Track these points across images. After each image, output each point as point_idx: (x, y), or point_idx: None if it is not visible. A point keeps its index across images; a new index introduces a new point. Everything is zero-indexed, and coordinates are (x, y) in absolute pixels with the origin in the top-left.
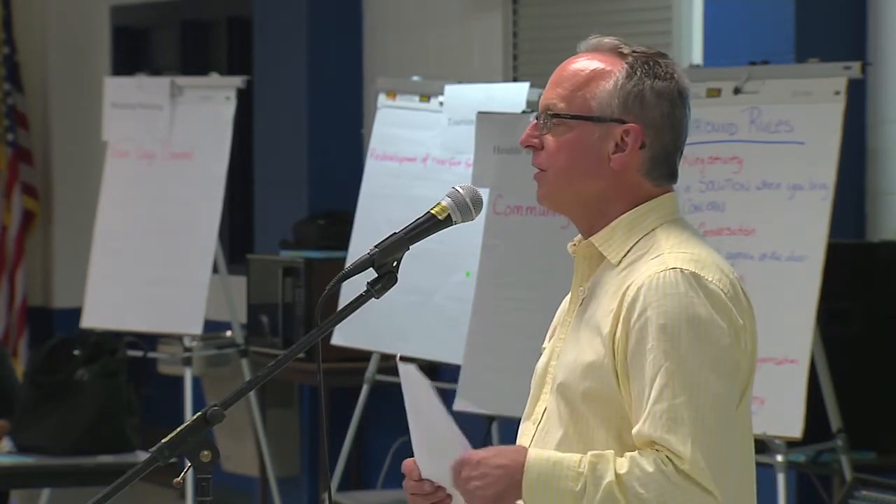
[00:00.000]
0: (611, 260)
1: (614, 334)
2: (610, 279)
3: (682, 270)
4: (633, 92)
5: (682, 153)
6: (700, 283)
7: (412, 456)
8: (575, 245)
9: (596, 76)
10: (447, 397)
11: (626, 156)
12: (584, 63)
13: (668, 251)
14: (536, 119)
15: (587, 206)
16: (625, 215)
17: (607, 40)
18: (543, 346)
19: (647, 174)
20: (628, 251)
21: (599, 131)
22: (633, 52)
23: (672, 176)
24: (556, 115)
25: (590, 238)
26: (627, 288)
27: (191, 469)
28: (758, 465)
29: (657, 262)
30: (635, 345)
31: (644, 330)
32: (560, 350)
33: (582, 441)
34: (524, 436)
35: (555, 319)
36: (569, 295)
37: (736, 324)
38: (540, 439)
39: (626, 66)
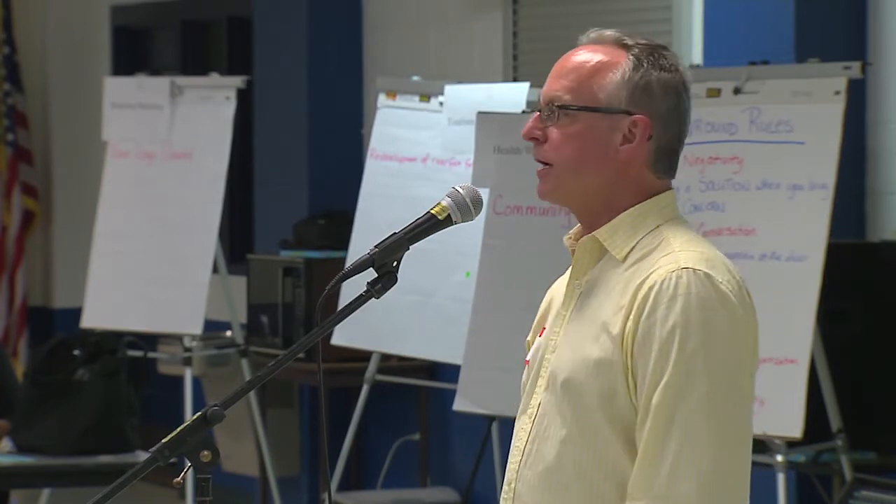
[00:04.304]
0: (615, 255)
1: (624, 332)
2: (615, 276)
3: (694, 271)
4: (640, 83)
5: (683, 147)
6: (713, 284)
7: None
8: (572, 238)
9: (602, 67)
10: (447, 397)
11: (634, 148)
12: (588, 55)
13: (679, 249)
14: (539, 112)
15: (592, 199)
16: (629, 211)
17: (609, 33)
18: (528, 338)
19: (652, 166)
20: (633, 248)
21: (608, 123)
22: (637, 43)
23: (673, 169)
24: (564, 107)
25: (593, 233)
26: (640, 286)
27: (191, 469)
28: (758, 465)
29: (669, 261)
30: (642, 343)
31: (653, 329)
32: (555, 344)
33: (585, 442)
34: (522, 431)
35: (541, 311)
36: (556, 286)
37: (742, 325)
38: (539, 436)
39: (632, 57)
